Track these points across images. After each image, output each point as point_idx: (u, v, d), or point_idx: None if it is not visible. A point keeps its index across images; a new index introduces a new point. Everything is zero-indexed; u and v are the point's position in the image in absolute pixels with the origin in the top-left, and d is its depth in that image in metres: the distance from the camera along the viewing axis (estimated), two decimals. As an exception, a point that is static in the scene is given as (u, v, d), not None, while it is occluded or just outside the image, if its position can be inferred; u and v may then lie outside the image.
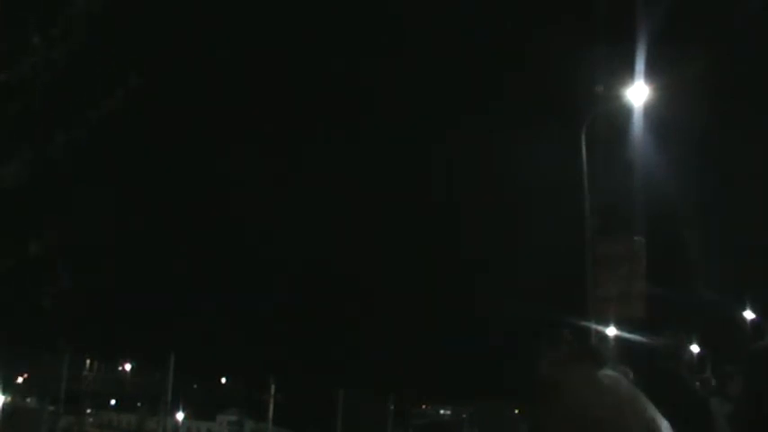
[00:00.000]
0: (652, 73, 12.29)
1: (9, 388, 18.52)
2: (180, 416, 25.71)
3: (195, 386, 34.14)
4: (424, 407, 40.16)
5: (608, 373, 1.70)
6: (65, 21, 3.80)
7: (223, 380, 37.51)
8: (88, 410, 25.71)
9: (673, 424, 1.48)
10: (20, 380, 20.57)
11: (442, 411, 42.33)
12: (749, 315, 27.58)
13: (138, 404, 27.85)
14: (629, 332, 13.94)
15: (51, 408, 18.66)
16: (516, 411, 30.94)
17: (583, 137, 12.19)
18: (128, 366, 26.97)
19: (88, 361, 23.56)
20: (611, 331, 13.31)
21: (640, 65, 12.13)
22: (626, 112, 12.34)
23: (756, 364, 3.53)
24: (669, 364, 4.56)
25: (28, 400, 21.03)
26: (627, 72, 12.25)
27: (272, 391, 23.52)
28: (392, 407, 24.20)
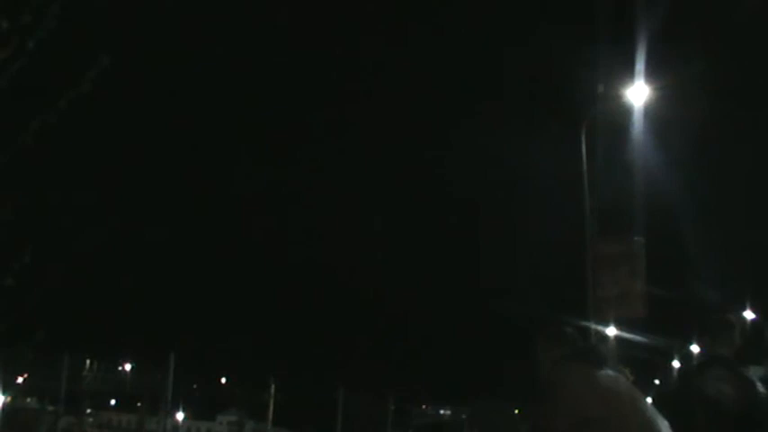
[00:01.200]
0: (652, 73, 12.30)
1: (9, 388, 18.50)
2: (180, 416, 25.70)
3: (195, 386, 34.16)
4: (424, 407, 40.16)
5: (608, 372, 1.70)
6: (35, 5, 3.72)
7: (223, 380, 37.55)
8: (88, 410, 25.70)
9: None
10: (20, 380, 20.56)
11: (441, 411, 42.36)
12: (749, 315, 27.57)
13: (138, 404, 27.84)
14: (629, 332, 13.95)
15: (51, 408, 18.65)
16: (516, 411, 30.95)
17: (583, 137, 12.20)
18: (128, 366, 26.97)
19: (88, 361, 23.56)
20: (611, 331, 13.32)
21: (640, 65, 12.14)
22: (626, 112, 12.35)
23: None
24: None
25: (28, 400, 21.02)
26: (627, 72, 12.26)
27: (272, 391, 23.51)
28: (392, 407, 24.19)
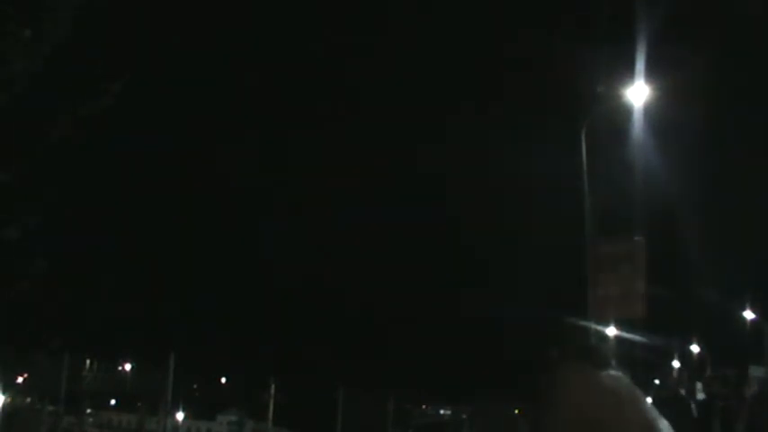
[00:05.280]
0: (652, 73, 12.31)
1: (9, 388, 18.51)
2: (180, 416, 25.71)
3: (195, 386, 34.18)
4: (424, 407, 40.16)
5: (609, 372, 1.69)
6: (52, 14, 3.74)
7: (223, 380, 37.56)
8: (88, 410, 25.71)
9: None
10: (20, 380, 20.57)
11: (441, 411, 42.34)
12: (749, 315, 27.61)
13: (138, 404, 27.86)
14: (629, 332, 13.98)
15: (51, 408, 18.65)
16: (516, 411, 30.93)
17: (583, 137, 12.21)
18: (128, 366, 27.00)
19: (88, 361, 23.59)
20: (611, 331, 13.34)
21: (640, 65, 12.15)
22: (626, 112, 12.36)
23: None
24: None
25: (28, 400, 21.02)
26: (627, 72, 12.27)
27: (272, 391, 23.53)
28: (392, 407, 24.19)
